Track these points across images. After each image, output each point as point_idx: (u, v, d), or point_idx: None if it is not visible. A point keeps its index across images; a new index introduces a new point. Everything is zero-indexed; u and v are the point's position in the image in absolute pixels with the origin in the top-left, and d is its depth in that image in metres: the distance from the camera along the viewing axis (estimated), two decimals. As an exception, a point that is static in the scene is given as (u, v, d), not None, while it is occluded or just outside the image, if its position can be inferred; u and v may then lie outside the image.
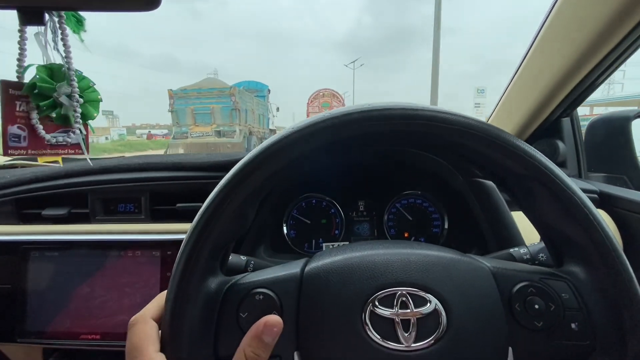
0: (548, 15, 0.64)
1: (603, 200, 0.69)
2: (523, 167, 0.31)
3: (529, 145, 0.32)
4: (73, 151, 0.48)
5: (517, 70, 0.76)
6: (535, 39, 0.69)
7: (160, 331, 0.31)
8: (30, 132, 0.45)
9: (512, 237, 0.58)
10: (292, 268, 0.34)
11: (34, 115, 0.44)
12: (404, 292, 0.30)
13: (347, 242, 0.75)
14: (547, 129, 0.78)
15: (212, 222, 0.30)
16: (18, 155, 0.43)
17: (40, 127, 0.45)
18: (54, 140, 0.46)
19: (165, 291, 0.31)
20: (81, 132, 0.48)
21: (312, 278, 0.32)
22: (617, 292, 0.29)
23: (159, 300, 0.33)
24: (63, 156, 0.48)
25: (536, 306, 0.31)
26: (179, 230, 0.62)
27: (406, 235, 0.75)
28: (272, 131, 13.61)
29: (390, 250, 0.34)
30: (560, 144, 0.77)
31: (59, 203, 0.67)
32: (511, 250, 0.44)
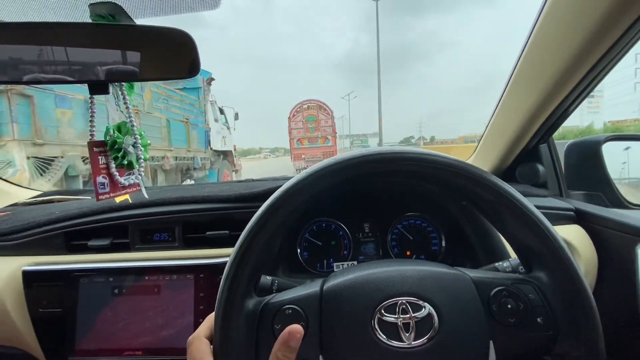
0: (522, 54, 0.75)
1: (579, 217, 0.78)
2: (492, 195, 0.41)
3: (496, 177, 0.41)
4: (135, 189, 0.61)
5: (498, 103, 0.87)
6: (512, 74, 0.80)
7: (212, 347, 0.39)
8: (110, 179, 0.57)
9: (499, 253, 0.67)
10: (313, 287, 0.42)
11: (112, 165, 0.57)
12: (403, 301, 0.39)
13: (355, 262, 0.84)
14: (528, 154, 0.88)
15: (247, 254, 0.39)
16: (105, 199, 0.55)
17: (117, 174, 0.57)
18: (125, 182, 0.58)
19: (213, 313, 0.39)
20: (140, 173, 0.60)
21: (330, 294, 0.41)
22: (570, 290, 0.37)
23: (209, 321, 0.42)
24: (129, 193, 0.59)
25: (509, 306, 0.39)
26: (209, 255, 0.71)
27: (408, 253, 0.84)
28: (220, 154, 8.16)
29: (390, 268, 0.43)
30: (541, 167, 0.87)
31: (102, 234, 0.77)
32: (496, 264, 0.53)
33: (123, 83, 0.57)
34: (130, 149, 0.56)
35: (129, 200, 0.59)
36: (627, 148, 0.96)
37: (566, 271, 0.37)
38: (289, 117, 14.43)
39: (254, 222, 0.40)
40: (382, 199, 0.86)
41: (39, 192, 1.28)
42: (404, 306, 0.38)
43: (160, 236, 0.77)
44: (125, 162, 0.57)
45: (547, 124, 0.77)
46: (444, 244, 0.82)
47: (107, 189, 0.55)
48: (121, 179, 0.57)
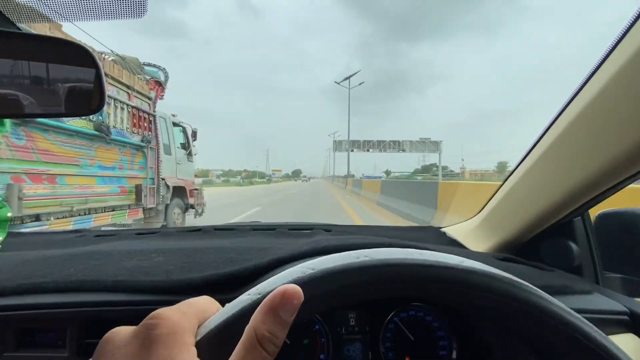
0: (560, 116, 0.57)
1: (635, 322, 0.58)
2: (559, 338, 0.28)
3: (576, 315, 0.28)
4: None
5: (520, 164, 0.69)
6: (541, 137, 0.63)
7: None
8: None
9: None
10: None
11: None
12: None
13: None
14: (557, 228, 0.69)
15: None
16: None
17: None
18: None
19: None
20: None
21: None
22: None
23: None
24: None
25: None
26: None
27: (407, 359, 0.62)
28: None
29: None
30: (574, 246, 0.69)
31: None
32: None
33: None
34: None
35: None
36: None
37: None
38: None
39: None
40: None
41: None
42: None
43: (45, 337, 0.52)
44: None
45: (594, 200, 0.59)
46: (454, 355, 0.60)
47: None
48: None
